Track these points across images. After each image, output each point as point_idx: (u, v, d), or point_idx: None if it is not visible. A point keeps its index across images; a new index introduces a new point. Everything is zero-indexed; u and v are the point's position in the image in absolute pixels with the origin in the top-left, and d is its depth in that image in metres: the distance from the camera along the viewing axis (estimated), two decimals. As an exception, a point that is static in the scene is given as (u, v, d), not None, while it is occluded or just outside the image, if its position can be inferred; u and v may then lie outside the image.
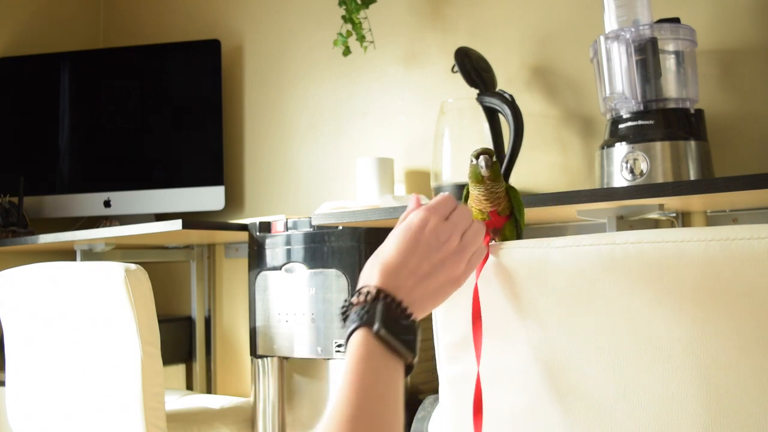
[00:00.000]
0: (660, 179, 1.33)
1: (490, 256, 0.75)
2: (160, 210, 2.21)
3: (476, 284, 0.74)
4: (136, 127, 2.30)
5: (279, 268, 1.60)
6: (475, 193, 0.83)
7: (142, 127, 2.29)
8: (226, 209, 2.23)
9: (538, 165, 1.77)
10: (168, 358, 2.10)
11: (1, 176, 2.27)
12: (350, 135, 2.09)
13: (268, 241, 1.62)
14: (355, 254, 1.49)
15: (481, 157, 0.80)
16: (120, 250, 2.05)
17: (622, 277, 0.66)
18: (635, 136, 1.37)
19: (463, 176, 1.61)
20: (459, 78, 1.66)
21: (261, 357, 1.63)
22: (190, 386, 2.24)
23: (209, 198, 2.18)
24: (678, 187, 1.12)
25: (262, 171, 2.25)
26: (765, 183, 1.05)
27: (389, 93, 2.03)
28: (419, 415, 1.40)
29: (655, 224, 1.45)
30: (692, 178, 1.34)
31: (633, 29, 1.37)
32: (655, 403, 0.65)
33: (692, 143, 1.36)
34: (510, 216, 0.84)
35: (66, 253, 2.20)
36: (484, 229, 0.73)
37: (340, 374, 0.59)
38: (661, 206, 1.27)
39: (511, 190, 0.85)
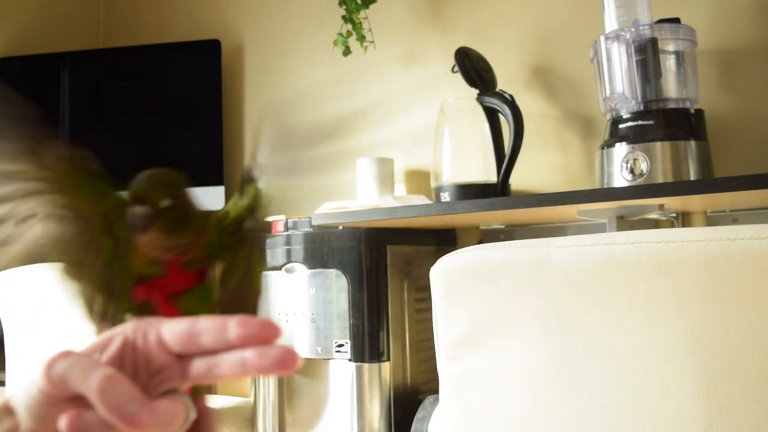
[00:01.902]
0: (660, 179, 1.33)
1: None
2: (160, 210, 2.21)
3: None
4: (136, 127, 2.30)
5: (279, 268, 1.60)
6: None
7: (142, 127, 2.29)
8: (226, 209, 2.22)
9: (538, 165, 1.77)
10: (168, 358, 2.10)
11: (1, 176, 2.27)
12: (350, 135, 2.09)
13: (268, 241, 1.62)
14: (355, 254, 1.49)
15: (131, 211, 0.47)
16: (120, 250, 2.05)
17: (623, 277, 0.66)
18: (635, 136, 1.37)
19: (463, 176, 1.61)
20: (459, 78, 1.66)
21: (261, 357, 1.62)
22: (190, 386, 2.24)
23: (209, 198, 2.18)
24: (678, 187, 1.12)
25: (262, 171, 2.25)
26: (765, 183, 1.05)
27: (389, 93, 2.03)
28: (419, 415, 1.40)
29: (655, 224, 1.45)
30: (692, 178, 1.34)
31: (633, 29, 1.37)
32: (655, 403, 0.65)
33: (692, 143, 1.36)
34: (205, 272, 0.50)
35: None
36: None
37: None
38: (661, 206, 1.27)
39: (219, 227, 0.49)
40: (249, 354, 0.38)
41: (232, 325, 0.38)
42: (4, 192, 0.46)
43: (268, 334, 0.38)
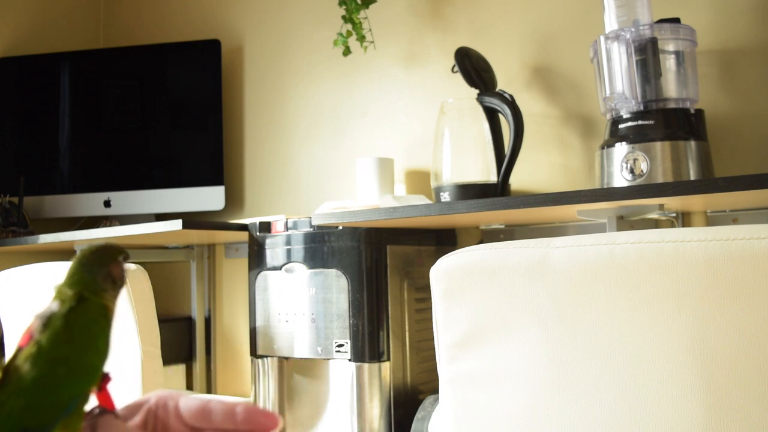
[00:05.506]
0: (660, 179, 1.33)
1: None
2: (160, 210, 2.21)
3: None
4: (136, 127, 2.30)
5: (279, 268, 1.60)
6: None
7: (142, 127, 2.29)
8: (226, 209, 2.22)
9: (538, 165, 1.77)
10: (168, 358, 2.10)
11: (1, 176, 2.27)
12: (350, 135, 2.09)
13: (268, 241, 1.62)
14: (355, 254, 1.49)
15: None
16: (120, 250, 2.05)
17: (623, 277, 0.66)
18: (635, 136, 1.37)
19: (463, 176, 1.61)
20: (459, 78, 1.66)
21: (261, 357, 1.63)
22: (190, 386, 2.24)
23: (209, 198, 2.18)
24: (678, 187, 1.12)
25: (262, 171, 2.25)
26: (765, 183, 1.05)
27: (389, 93, 2.03)
28: (419, 415, 1.40)
29: (655, 224, 1.45)
30: (692, 178, 1.34)
31: (633, 29, 1.37)
32: (655, 403, 0.65)
33: (692, 143, 1.36)
34: None
35: (66, 253, 2.20)
36: None
37: None
38: (661, 206, 1.27)
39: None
40: None
41: (240, 410, 0.44)
42: None
43: (269, 423, 0.44)
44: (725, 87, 1.56)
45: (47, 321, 0.43)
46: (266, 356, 1.62)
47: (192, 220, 1.81)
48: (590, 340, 0.69)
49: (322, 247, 1.53)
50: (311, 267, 1.54)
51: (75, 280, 0.46)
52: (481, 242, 1.53)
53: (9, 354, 0.43)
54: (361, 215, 1.40)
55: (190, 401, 0.46)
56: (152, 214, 2.23)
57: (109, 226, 2.15)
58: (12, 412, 0.40)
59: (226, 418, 0.45)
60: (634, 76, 1.37)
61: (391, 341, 1.51)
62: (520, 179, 1.77)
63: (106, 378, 0.46)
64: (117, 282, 0.47)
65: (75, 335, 0.43)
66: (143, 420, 0.46)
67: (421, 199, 1.67)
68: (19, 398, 0.40)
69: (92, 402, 0.45)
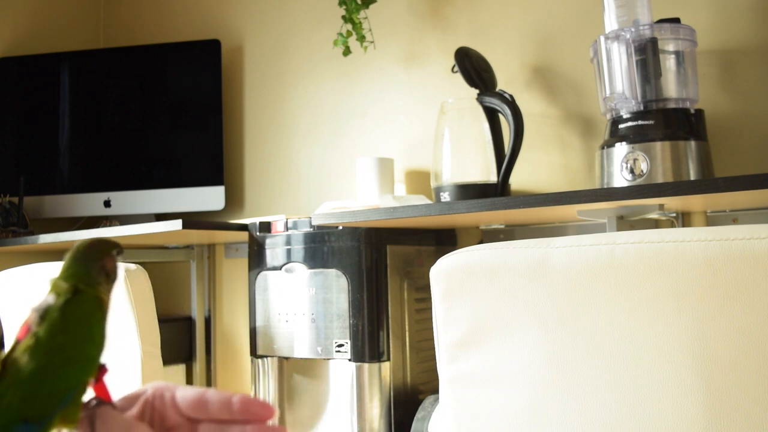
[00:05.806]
0: (660, 179, 1.33)
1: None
2: (160, 210, 2.21)
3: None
4: (136, 127, 2.30)
5: (279, 268, 1.60)
6: None
7: (142, 127, 2.29)
8: (226, 209, 2.22)
9: (538, 165, 1.77)
10: (168, 358, 2.10)
11: (1, 176, 2.27)
12: (350, 135, 2.09)
13: (268, 241, 1.62)
14: (355, 254, 1.49)
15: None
16: (120, 250, 2.05)
17: (623, 277, 0.66)
18: (635, 136, 1.37)
19: (463, 176, 1.61)
20: (459, 78, 1.66)
21: (261, 357, 1.63)
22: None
23: (209, 198, 2.18)
24: (678, 187, 1.12)
25: (262, 171, 2.25)
26: (765, 183, 1.05)
27: (389, 93, 2.03)
28: (419, 415, 1.40)
29: (655, 224, 1.45)
30: (692, 178, 1.34)
31: (633, 29, 1.37)
32: (655, 403, 0.65)
33: (692, 143, 1.36)
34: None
35: (66, 253, 2.20)
36: None
37: None
38: (661, 206, 1.27)
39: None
40: (249, 429, 0.45)
41: (236, 401, 0.45)
42: None
43: (264, 413, 0.45)
44: (725, 87, 1.56)
45: (44, 313, 0.44)
46: (266, 356, 1.62)
47: (192, 220, 1.81)
48: (590, 340, 0.69)
49: (322, 247, 1.53)
50: (311, 267, 1.54)
51: (70, 273, 0.47)
52: (481, 242, 1.53)
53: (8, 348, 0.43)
54: (361, 215, 1.39)
55: (186, 392, 0.46)
56: (152, 214, 2.23)
57: (109, 226, 2.15)
58: (11, 404, 0.40)
59: (222, 408, 0.45)
60: (634, 76, 1.37)
61: (391, 341, 1.51)
62: (520, 179, 1.77)
63: (102, 369, 0.47)
64: (111, 275, 0.49)
65: (71, 326, 0.44)
66: (140, 411, 0.46)
67: (421, 199, 1.67)
68: (18, 389, 0.41)
69: (90, 394, 0.46)
